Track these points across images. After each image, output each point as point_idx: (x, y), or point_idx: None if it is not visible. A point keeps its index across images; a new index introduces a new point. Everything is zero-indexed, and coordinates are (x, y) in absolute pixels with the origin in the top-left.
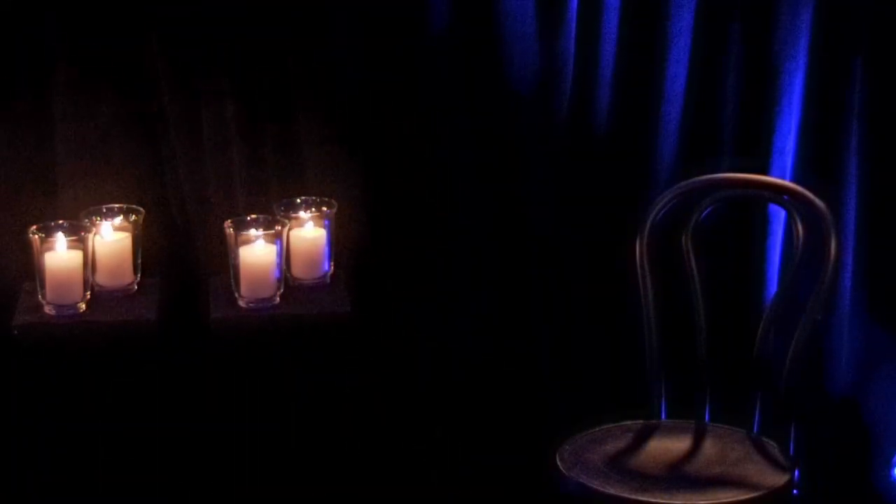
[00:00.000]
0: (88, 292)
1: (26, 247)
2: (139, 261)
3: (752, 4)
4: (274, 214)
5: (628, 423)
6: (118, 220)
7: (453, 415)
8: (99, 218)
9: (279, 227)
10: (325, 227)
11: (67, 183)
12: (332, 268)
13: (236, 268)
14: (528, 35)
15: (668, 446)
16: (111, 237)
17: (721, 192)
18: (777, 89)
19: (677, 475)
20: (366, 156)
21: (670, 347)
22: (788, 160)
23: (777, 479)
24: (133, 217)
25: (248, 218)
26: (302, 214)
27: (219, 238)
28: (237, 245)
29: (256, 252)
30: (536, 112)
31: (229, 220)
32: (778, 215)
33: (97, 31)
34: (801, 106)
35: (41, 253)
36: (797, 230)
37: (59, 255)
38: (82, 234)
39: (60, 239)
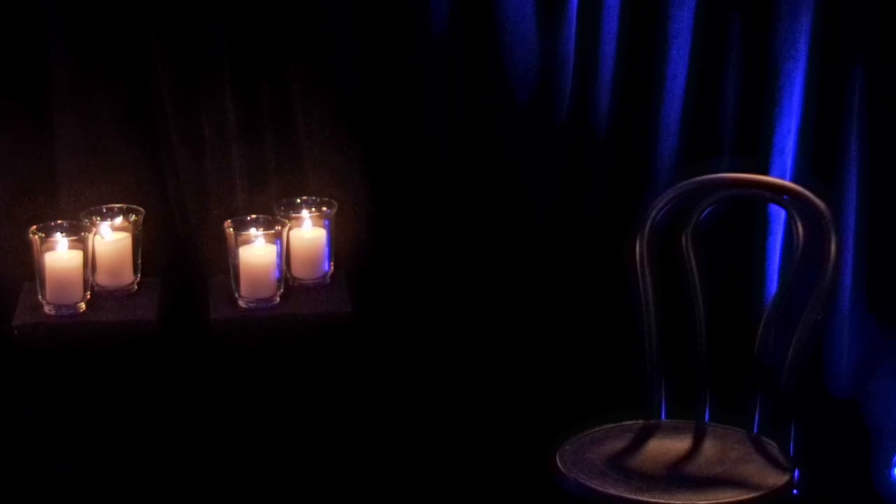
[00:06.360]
0: (88, 292)
1: (26, 247)
2: (139, 261)
3: (752, 4)
4: (274, 214)
5: (628, 423)
6: (118, 220)
7: (453, 415)
8: (99, 218)
9: (279, 227)
10: (325, 227)
11: (67, 183)
12: (332, 268)
13: (236, 268)
14: (528, 35)
15: (668, 446)
16: (111, 237)
17: (721, 192)
18: (777, 89)
19: (677, 475)
20: (366, 156)
21: (670, 347)
22: (788, 160)
23: (777, 479)
24: (133, 217)
25: (248, 218)
26: (302, 214)
27: (219, 238)
28: (237, 245)
29: (256, 252)
30: (536, 112)
31: (229, 220)
32: (778, 215)
33: (97, 32)
34: (801, 106)
35: (41, 253)
36: (797, 230)
37: (59, 255)
38: (82, 234)
39: (60, 239)
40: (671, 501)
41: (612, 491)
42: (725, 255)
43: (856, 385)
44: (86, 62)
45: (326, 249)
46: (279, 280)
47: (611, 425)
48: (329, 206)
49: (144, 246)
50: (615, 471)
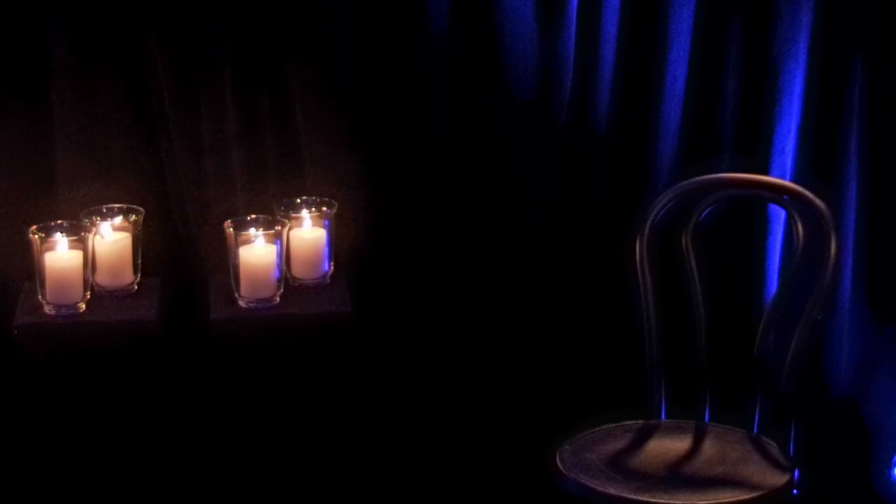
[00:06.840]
0: (88, 292)
1: (26, 247)
2: (139, 261)
3: (752, 4)
4: (274, 214)
5: (628, 423)
6: (118, 220)
7: (453, 414)
8: (99, 218)
9: (279, 227)
10: (325, 227)
11: (67, 183)
12: (332, 268)
13: (236, 268)
14: (528, 35)
15: (668, 446)
16: (111, 237)
17: (721, 192)
18: (777, 89)
19: (677, 475)
20: (366, 156)
21: (670, 347)
22: (788, 160)
23: (777, 479)
24: (133, 217)
25: (248, 218)
26: (302, 214)
27: (219, 238)
28: (237, 245)
29: (256, 252)
30: (536, 112)
31: (229, 220)
32: (778, 215)
33: (97, 32)
34: (801, 106)
35: (41, 253)
36: (797, 230)
37: (59, 255)
38: (82, 234)
39: (60, 239)
40: (671, 501)
41: (612, 491)
42: (725, 255)
43: (856, 385)
44: (86, 62)
45: (326, 249)
46: (279, 280)
47: (611, 425)
48: (329, 206)
49: (144, 246)
50: (615, 471)
